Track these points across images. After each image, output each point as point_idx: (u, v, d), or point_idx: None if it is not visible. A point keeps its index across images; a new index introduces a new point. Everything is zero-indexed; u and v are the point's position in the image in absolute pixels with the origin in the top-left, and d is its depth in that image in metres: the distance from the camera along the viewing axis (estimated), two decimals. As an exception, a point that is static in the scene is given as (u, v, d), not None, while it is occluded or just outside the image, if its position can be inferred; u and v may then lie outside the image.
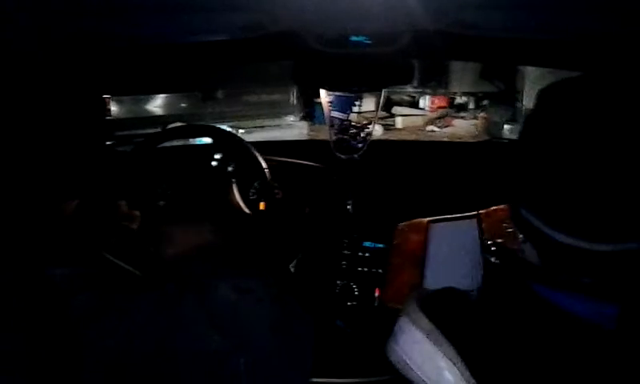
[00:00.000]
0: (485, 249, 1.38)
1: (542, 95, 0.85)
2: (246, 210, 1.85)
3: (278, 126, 6.76)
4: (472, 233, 1.43)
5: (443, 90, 8.86)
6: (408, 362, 0.86)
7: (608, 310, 0.77)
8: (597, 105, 0.77)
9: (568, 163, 0.77)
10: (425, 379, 0.83)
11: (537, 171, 0.81)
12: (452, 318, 0.86)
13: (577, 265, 0.80)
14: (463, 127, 8.43)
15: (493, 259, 1.31)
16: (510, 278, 0.90)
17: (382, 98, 1.97)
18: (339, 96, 1.88)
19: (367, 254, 1.93)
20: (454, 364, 0.80)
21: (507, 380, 0.79)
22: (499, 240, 1.34)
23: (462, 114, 9.16)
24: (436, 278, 1.47)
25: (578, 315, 0.78)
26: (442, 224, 1.58)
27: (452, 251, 1.46)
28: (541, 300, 0.82)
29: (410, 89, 8.65)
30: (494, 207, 1.51)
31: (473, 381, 0.79)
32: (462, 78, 8.22)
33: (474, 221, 1.51)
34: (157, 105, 5.83)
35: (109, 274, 1.08)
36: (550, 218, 0.80)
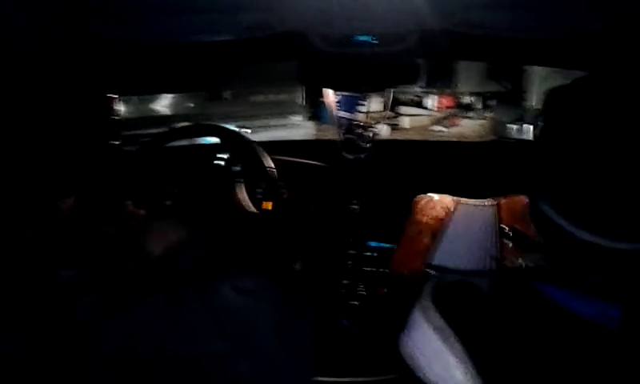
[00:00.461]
0: (501, 233, 1.39)
1: (563, 92, 0.85)
2: (253, 210, 1.85)
3: (285, 125, 6.74)
4: (491, 220, 1.44)
5: (450, 90, 8.82)
6: (417, 356, 0.86)
7: (613, 312, 0.77)
8: (622, 103, 0.77)
9: (591, 160, 0.76)
10: (432, 375, 0.83)
11: (560, 168, 0.81)
12: (462, 315, 0.86)
13: (591, 263, 0.80)
14: (470, 127, 8.38)
15: (509, 243, 1.32)
16: (517, 278, 0.90)
17: (389, 97, 1.97)
18: (346, 96, 1.88)
19: (373, 254, 1.93)
20: (462, 362, 0.80)
21: (513, 380, 0.79)
22: (516, 226, 1.35)
23: (469, 114, 9.11)
24: (446, 254, 1.47)
25: (584, 316, 0.78)
26: (468, 206, 1.59)
27: (469, 234, 1.47)
28: (547, 301, 0.82)
29: (416, 88, 8.63)
30: (513, 196, 1.52)
31: (479, 380, 0.79)
32: (469, 78, 8.17)
33: (495, 208, 1.52)
34: (163, 105, 5.82)
35: (114, 276, 1.08)
36: (573, 214, 0.79)
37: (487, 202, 1.56)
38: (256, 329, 0.94)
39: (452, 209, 1.61)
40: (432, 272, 1.49)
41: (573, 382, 0.76)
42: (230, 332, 0.92)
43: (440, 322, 0.85)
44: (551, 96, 0.87)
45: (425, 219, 1.64)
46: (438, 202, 1.66)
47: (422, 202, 1.69)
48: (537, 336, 0.81)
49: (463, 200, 1.62)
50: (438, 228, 1.57)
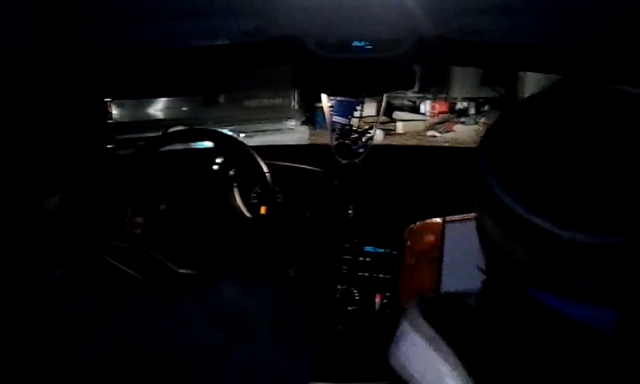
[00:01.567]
0: None
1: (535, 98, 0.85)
2: (247, 214, 1.85)
3: (279, 130, 6.76)
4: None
5: (444, 96, 8.87)
6: (409, 367, 0.86)
7: (606, 315, 0.77)
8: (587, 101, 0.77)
9: (560, 157, 0.75)
10: None
11: (532, 167, 0.81)
12: (453, 324, 0.86)
13: (571, 262, 0.79)
14: (464, 132, 8.43)
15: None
16: (506, 282, 0.90)
17: (383, 102, 1.97)
18: (340, 101, 1.88)
19: (368, 259, 1.93)
20: (455, 370, 0.80)
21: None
22: None
23: (463, 119, 9.16)
24: (453, 277, 1.46)
25: (575, 319, 0.78)
26: (457, 223, 1.57)
27: (468, 250, 1.46)
28: (537, 304, 0.82)
29: (410, 94, 8.67)
30: None
31: None
32: (463, 84, 8.23)
33: None
34: (158, 108, 5.83)
35: (108, 276, 1.08)
36: (542, 208, 0.77)
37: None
38: (253, 323, 0.94)
39: (441, 230, 1.59)
40: None
41: None
42: (227, 325, 0.92)
43: (430, 331, 0.85)
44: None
45: (418, 248, 1.64)
46: (426, 227, 1.65)
47: (412, 232, 1.69)
48: (529, 339, 0.81)
49: (449, 218, 1.61)
50: (435, 254, 1.56)
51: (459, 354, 0.81)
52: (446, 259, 1.47)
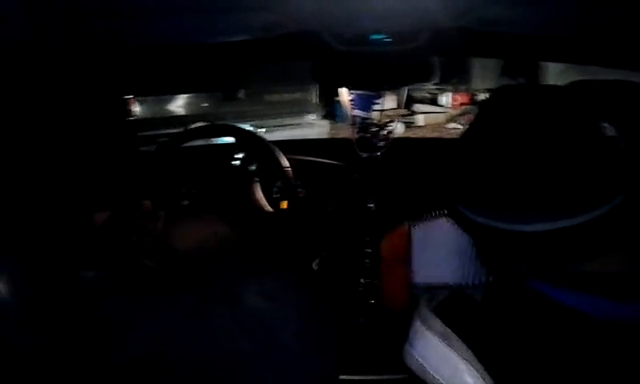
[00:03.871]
0: None
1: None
2: (269, 209, 1.86)
3: (300, 124, 6.75)
4: (455, 229, 1.45)
5: (465, 87, 8.81)
6: (425, 365, 0.87)
7: (600, 303, 0.78)
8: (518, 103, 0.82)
9: (492, 152, 0.80)
10: (443, 382, 0.84)
11: (467, 163, 0.85)
12: (464, 321, 0.88)
13: (517, 250, 0.83)
14: (485, 124, 8.34)
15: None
16: (503, 275, 0.91)
17: (404, 95, 1.97)
18: (361, 94, 1.88)
19: (390, 252, 1.94)
20: (471, 364, 0.81)
21: (522, 376, 0.79)
22: None
23: (484, 111, 9.07)
24: (425, 273, 1.48)
25: (570, 307, 0.79)
26: (421, 224, 1.59)
27: (436, 248, 1.47)
28: (543, 298, 0.82)
29: (431, 86, 8.62)
30: None
31: (490, 379, 0.80)
32: (484, 75, 8.16)
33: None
34: (178, 105, 5.87)
35: (136, 277, 1.09)
36: (473, 202, 0.84)
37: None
38: (280, 332, 0.94)
39: (407, 233, 1.61)
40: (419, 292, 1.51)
41: (577, 372, 0.77)
42: (255, 334, 0.92)
43: (444, 328, 0.87)
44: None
45: (390, 256, 1.65)
46: (394, 234, 1.66)
47: (383, 244, 1.71)
48: (531, 329, 0.82)
49: (414, 223, 1.63)
50: (405, 256, 1.58)
51: (471, 347, 0.82)
52: (415, 258, 1.50)
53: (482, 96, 8.76)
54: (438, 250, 1.33)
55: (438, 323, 0.87)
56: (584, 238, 0.77)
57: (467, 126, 0.89)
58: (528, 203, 0.77)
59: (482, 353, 0.82)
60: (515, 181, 0.77)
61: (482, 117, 0.86)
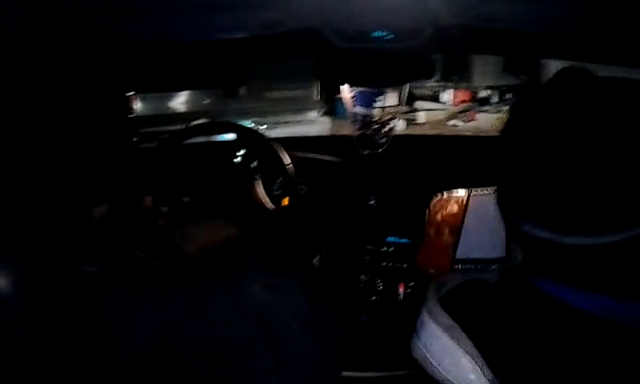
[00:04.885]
0: None
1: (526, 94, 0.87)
2: (270, 206, 1.86)
3: (301, 121, 6.73)
4: None
5: (466, 84, 8.77)
6: (429, 357, 0.87)
7: (602, 301, 0.78)
8: (575, 100, 0.78)
9: (543, 158, 0.77)
10: (445, 374, 0.84)
11: (514, 166, 0.82)
12: (470, 314, 0.87)
13: (556, 260, 0.80)
14: (487, 121, 8.33)
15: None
16: (515, 273, 0.91)
17: (405, 92, 1.97)
18: (362, 91, 1.88)
19: (391, 249, 1.94)
20: (474, 359, 0.81)
21: (525, 374, 0.79)
22: None
23: (486, 108, 9.06)
24: (469, 246, 1.48)
25: (574, 306, 0.79)
26: (478, 195, 1.60)
27: (487, 222, 1.48)
28: (549, 298, 0.82)
29: (432, 83, 8.59)
30: None
31: (492, 376, 0.80)
32: (485, 72, 8.13)
33: None
34: (180, 102, 5.86)
35: (139, 271, 1.10)
36: (524, 210, 0.80)
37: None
38: (284, 326, 0.95)
39: (465, 202, 1.62)
40: (459, 266, 1.51)
41: (581, 373, 0.77)
42: (258, 327, 0.93)
43: (448, 320, 0.87)
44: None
45: (441, 218, 1.65)
46: (451, 198, 1.67)
47: (436, 202, 1.70)
48: (538, 329, 0.82)
49: (474, 191, 1.63)
50: (457, 223, 1.58)
51: (476, 341, 0.82)
52: (467, 229, 1.51)
53: (482, 93, 8.74)
54: (488, 224, 1.32)
55: (443, 315, 0.87)
56: (625, 255, 0.75)
57: (513, 118, 0.86)
58: (575, 216, 0.75)
59: (486, 348, 0.82)
60: (570, 193, 0.74)
61: (535, 112, 0.82)
